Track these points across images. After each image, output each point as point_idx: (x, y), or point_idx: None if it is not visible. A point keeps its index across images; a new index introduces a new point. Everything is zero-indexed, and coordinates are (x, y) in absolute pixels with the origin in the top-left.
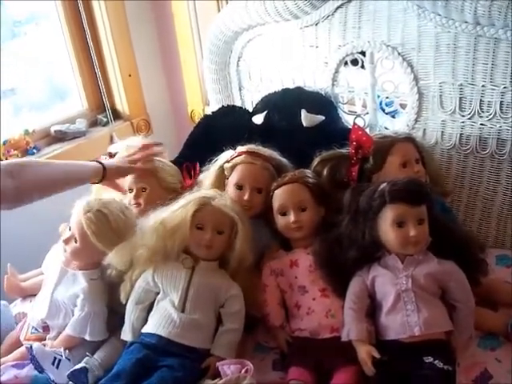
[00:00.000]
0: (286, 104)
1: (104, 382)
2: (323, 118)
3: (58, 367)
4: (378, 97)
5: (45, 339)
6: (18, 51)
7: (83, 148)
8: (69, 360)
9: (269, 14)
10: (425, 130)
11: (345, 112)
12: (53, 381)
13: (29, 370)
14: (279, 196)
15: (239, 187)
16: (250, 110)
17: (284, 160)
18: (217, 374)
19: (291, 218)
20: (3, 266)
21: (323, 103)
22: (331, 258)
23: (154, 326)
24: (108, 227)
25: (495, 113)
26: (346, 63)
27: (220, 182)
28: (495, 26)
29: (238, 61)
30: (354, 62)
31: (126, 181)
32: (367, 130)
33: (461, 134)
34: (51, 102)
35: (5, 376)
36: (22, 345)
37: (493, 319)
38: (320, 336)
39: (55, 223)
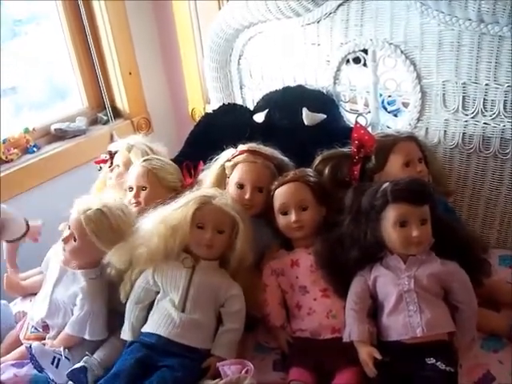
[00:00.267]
0: (287, 102)
1: (103, 381)
2: (325, 116)
3: (57, 366)
4: (380, 95)
5: (44, 338)
6: (18, 50)
7: (83, 146)
8: (68, 359)
9: (270, 12)
10: (427, 128)
11: (346, 111)
12: (52, 380)
13: (28, 369)
14: (280, 195)
15: (240, 186)
16: (251, 109)
17: (285, 159)
18: (217, 375)
19: (292, 217)
20: (3, 266)
21: (325, 102)
22: (332, 257)
23: (154, 325)
24: (107, 226)
25: (499, 112)
26: (347, 61)
27: (221, 180)
28: (499, 23)
29: (239, 59)
30: (356, 60)
31: (126, 179)
32: (369, 129)
33: (464, 133)
34: (52, 100)
35: (4, 375)
36: (22, 344)
37: (496, 320)
38: (321, 336)
39: (54, 223)
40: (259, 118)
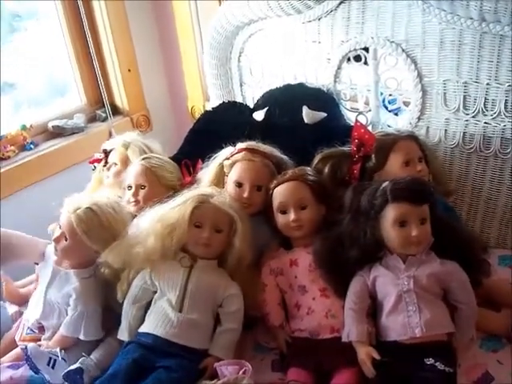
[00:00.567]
0: (287, 100)
1: (100, 382)
2: (325, 114)
3: (53, 367)
4: (381, 94)
5: (40, 340)
6: (17, 46)
7: (81, 144)
8: (64, 360)
9: (271, 9)
10: (428, 128)
11: (347, 109)
12: (48, 381)
13: (24, 371)
14: (279, 194)
15: (239, 184)
16: (251, 106)
17: (284, 157)
18: (214, 375)
19: (291, 216)
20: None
21: (325, 100)
22: (331, 257)
23: (151, 325)
24: (98, 224)
25: (499, 111)
26: (348, 59)
27: (219, 179)
28: (501, 22)
29: (240, 56)
30: (357, 58)
31: (125, 177)
32: (369, 128)
33: (464, 132)
34: (51, 97)
35: (0, 377)
36: (18, 345)
37: (495, 321)
38: (320, 336)
39: (51, 221)
40: (259, 115)
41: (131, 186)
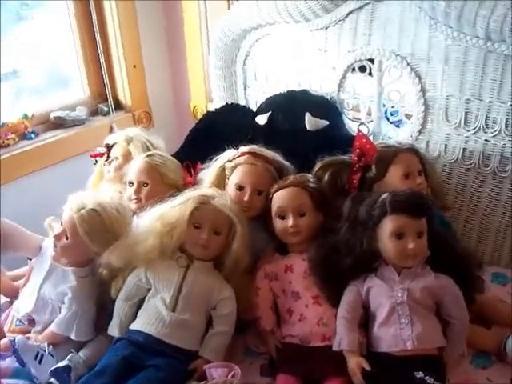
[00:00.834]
0: (290, 106)
1: (88, 377)
2: (327, 122)
3: (40, 362)
4: (384, 105)
5: (29, 332)
6: (23, 34)
7: (82, 136)
8: (52, 356)
9: (279, 15)
10: (428, 141)
11: (349, 118)
12: (34, 376)
13: (10, 363)
14: (279, 199)
15: (240, 188)
16: (254, 110)
17: (286, 163)
18: (203, 377)
19: (290, 222)
20: None
21: (328, 108)
22: (326, 264)
23: (143, 323)
24: (101, 227)
25: (500, 130)
26: (353, 69)
27: (220, 181)
28: (506, 42)
29: (245, 59)
30: (362, 69)
31: (127, 173)
32: (370, 138)
33: (464, 148)
34: (53, 87)
35: None
36: (5, 336)
37: (486, 337)
38: (311, 344)
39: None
40: (262, 119)
41: (133, 183)
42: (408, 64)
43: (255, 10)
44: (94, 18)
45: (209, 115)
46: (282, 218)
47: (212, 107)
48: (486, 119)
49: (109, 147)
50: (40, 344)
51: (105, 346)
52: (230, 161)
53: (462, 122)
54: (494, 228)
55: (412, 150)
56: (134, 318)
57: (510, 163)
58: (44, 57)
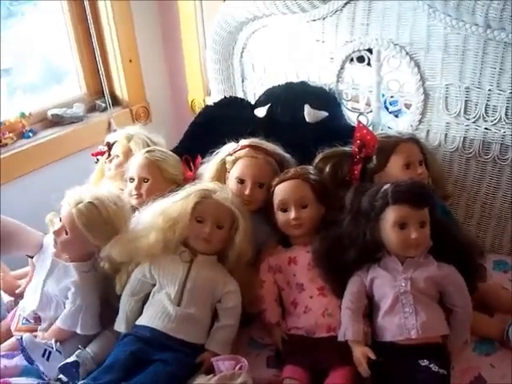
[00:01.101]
0: (289, 98)
1: (97, 374)
2: (326, 114)
3: (48, 359)
4: (383, 95)
5: (36, 330)
6: (13, 31)
7: (80, 133)
8: (60, 352)
9: (276, 6)
10: (428, 131)
11: (348, 109)
12: (43, 373)
13: (18, 361)
14: (281, 192)
15: (241, 181)
16: (252, 102)
17: (287, 155)
18: (211, 370)
19: (292, 214)
20: None
21: (327, 99)
22: (330, 256)
23: (149, 318)
24: (99, 220)
25: (500, 118)
26: (351, 60)
27: (221, 174)
28: (505, 30)
29: (242, 52)
30: (360, 59)
31: (127, 169)
32: (370, 129)
33: (464, 137)
34: (47, 84)
35: None
36: (13, 335)
37: (489, 324)
38: (316, 335)
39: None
40: (261, 112)
41: (133, 179)
42: (407, 53)
43: (251, 2)
44: (88, 12)
45: (207, 109)
46: (284, 210)
47: (210, 101)
48: (485, 107)
49: (109, 145)
50: (47, 341)
51: (111, 342)
52: (230, 154)
53: (462, 111)
54: (495, 216)
55: (413, 140)
56: (140, 313)
57: (510, 151)
58: (37, 54)
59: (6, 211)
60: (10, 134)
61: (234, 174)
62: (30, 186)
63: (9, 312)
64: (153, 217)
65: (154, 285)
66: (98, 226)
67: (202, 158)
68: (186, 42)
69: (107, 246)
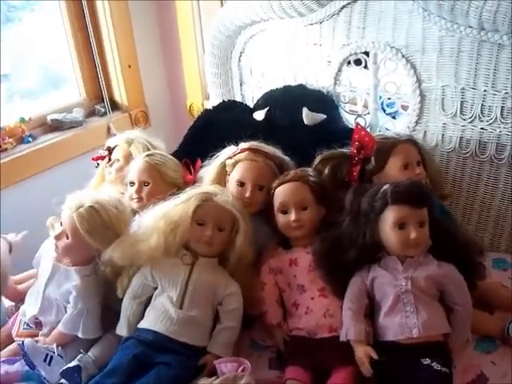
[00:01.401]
0: (287, 101)
1: (99, 378)
2: (324, 116)
3: (50, 364)
4: (380, 97)
5: (37, 335)
6: (11, 36)
7: (80, 138)
8: (61, 357)
9: (273, 11)
10: (425, 132)
11: (346, 111)
12: (44, 378)
13: (20, 366)
14: (281, 194)
15: (241, 184)
16: (251, 106)
17: (286, 158)
18: (213, 372)
19: (292, 216)
20: None
21: (325, 102)
22: (331, 257)
23: (151, 321)
24: (100, 223)
25: (496, 118)
26: (348, 63)
27: (221, 178)
28: (499, 31)
29: (240, 56)
30: (357, 62)
31: (128, 173)
32: (368, 130)
33: (461, 137)
34: (44, 90)
35: None
36: (14, 340)
37: (489, 323)
38: (318, 336)
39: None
40: (259, 115)
41: (134, 183)
42: (403, 56)
43: (249, 6)
44: (88, 19)
45: (206, 113)
46: (285, 212)
47: (208, 105)
48: (481, 108)
49: (110, 150)
50: (48, 346)
51: (113, 345)
52: (230, 157)
53: (458, 112)
54: (493, 214)
55: (410, 141)
56: (142, 316)
57: (506, 150)
58: (35, 59)
59: (6, 216)
60: (10, 139)
61: (234, 176)
62: (29, 191)
63: (9, 317)
64: (154, 220)
65: (156, 288)
66: (98, 230)
67: (202, 161)
68: (185, 47)
69: (108, 249)
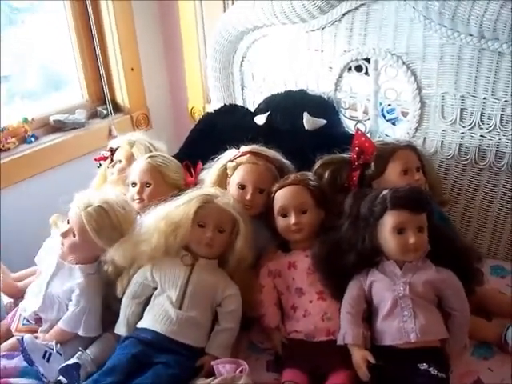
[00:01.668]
0: (288, 106)
1: (98, 376)
2: (325, 121)
3: (48, 361)
4: (380, 104)
5: (37, 331)
6: (13, 39)
7: (81, 139)
8: (60, 354)
9: (276, 16)
10: (425, 138)
11: (346, 117)
12: (42, 374)
13: (18, 362)
14: (281, 197)
15: (241, 187)
16: (252, 110)
17: (287, 162)
18: (211, 373)
19: (292, 219)
20: None
21: (326, 107)
22: (329, 261)
23: (150, 321)
24: (108, 223)
25: (495, 125)
26: (349, 69)
27: (222, 180)
28: (499, 40)
29: (242, 60)
30: (358, 68)
31: (129, 174)
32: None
33: (460, 144)
34: (45, 91)
35: None
36: (13, 335)
37: (487, 329)
38: (315, 339)
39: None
40: (260, 120)
41: (135, 183)
42: (404, 63)
43: (252, 12)
44: (92, 22)
45: (208, 116)
46: (285, 215)
47: (210, 108)
48: (481, 115)
49: (112, 150)
50: (48, 343)
51: (112, 344)
52: (231, 160)
53: (458, 119)
54: (491, 221)
55: (410, 147)
56: (141, 316)
57: (505, 158)
58: (35, 60)
59: (8, 215)
60: (13, 139)
61: (235, 179)
62: (31, 190)
63: (8, 313)
64: (155, 221)
65: (156, 288)
66: (106, 229)
67: (203, 164)
68: (187, 51)
69: (111, 250)
